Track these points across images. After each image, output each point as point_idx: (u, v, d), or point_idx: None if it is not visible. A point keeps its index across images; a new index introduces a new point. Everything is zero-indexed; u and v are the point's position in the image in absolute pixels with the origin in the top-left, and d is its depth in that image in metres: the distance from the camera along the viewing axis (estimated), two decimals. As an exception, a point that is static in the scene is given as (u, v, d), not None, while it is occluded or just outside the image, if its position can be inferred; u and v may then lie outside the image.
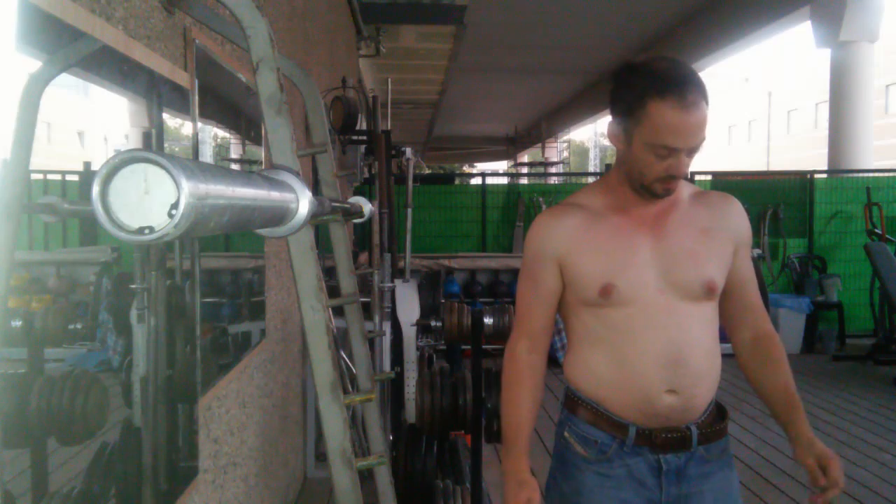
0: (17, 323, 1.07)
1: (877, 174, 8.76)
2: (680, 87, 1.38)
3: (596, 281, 1.47)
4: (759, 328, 1.62)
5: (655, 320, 1.46)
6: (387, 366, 3.78)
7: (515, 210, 8.46)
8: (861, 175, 8.63)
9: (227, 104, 2.22)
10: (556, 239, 1.53)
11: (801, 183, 8.55)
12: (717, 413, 1.58)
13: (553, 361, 7.08)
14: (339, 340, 3.34)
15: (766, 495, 3.82)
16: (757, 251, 7.82)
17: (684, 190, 1.57)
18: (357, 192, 6.56)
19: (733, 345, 1.65)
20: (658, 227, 1.51)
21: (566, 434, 1.63)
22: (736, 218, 1.58)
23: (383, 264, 3.77)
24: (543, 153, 27.03)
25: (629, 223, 1.51)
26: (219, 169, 0.67)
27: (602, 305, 1.49)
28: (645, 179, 1.44)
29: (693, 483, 1.52)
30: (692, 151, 1.43)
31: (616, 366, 1.50)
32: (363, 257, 6.24)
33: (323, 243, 3.23)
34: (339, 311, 2.56)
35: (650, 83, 1.40)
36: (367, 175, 4.91)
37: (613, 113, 1.49)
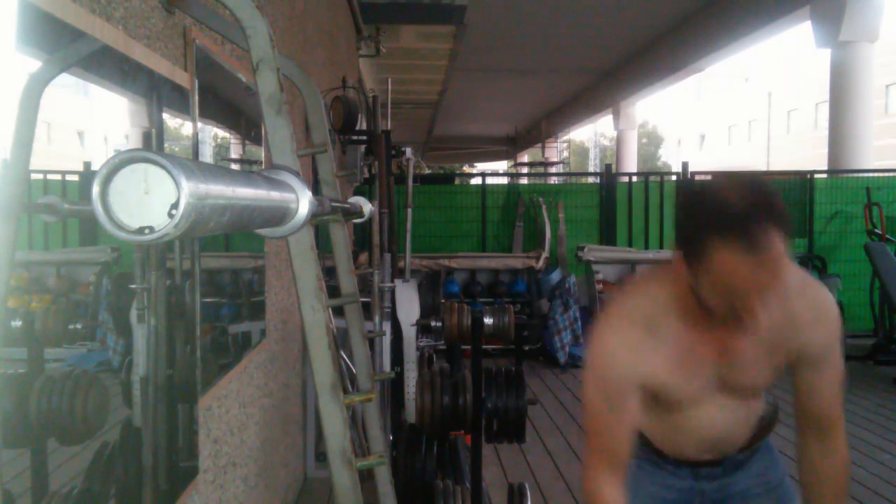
0: (17, 323, 1.07)
1: (877, 174, 8.76)
2: (746, 223, 1.17)
3: (661, 398, 1.45)
4: (828, 448, 1.50)
5: (705, 418, 1.48)
6: (387, 366, 3.78)
7: (515, 210, 8.46)
8: (861, 175, 8.62)
9: (227, 104, 2.22)
10: (639, 372, 1.39)
11: (801, 183, 8.55)
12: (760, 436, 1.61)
13: (553, 361, 7.08)
14: (339, 340, 3.34)
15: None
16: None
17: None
18: (357, 192, 6.55)
19: (798, 446, 1.55)
20: (727, 336, 1.37)
21: None
22: (815, 326, 1.40)
23: (383, 264, 3.77)
24: (543, 153, 27.03)
25: (700, 338, 1.38)
26: (219, 169, 0.67)
27: (660, 409, 1.49)
28: (716, 312, 1.28)
29: (729, 474, 1.59)
30: (765, 289, 1.22)
31: (663, 433, 1.56)
32: (363, 257, 6.24)
33: (323, 243, 3.23)
34: (339, 311, 2.56)
35: (711, 218, 1.21)
36: (367, 175, 4.91)
37: (676, 240, 1.31)
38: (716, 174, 1.34)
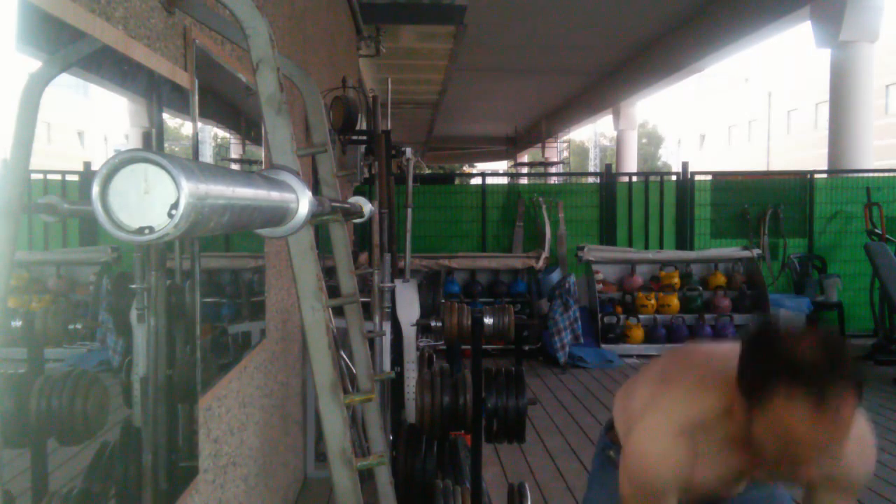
0: (17, 323, 1.07)
1: (877, 174, 8.76)
2: (821, 377, 1.10)
3: (689, 498, 1.44)
4: None
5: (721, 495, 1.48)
6: (387, 366, 3.78)
7: (515, 210, 8.46)
8: (861, 175, 8.62)
9: (227, 104, 2.22)
10: (679, 478, 1.36)
11: (801, 183, 8.55)
12: None
13: (553, 361, 7.08)
14: (339, 340, 3.34)
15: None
16: (757, 251, 7.83)
17: None
18: (357, 192, 6.56)
19: None
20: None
21: (611, 453, 1.70)
22: (853, 465, 1.35)
23: (383, 264, 3.77)
24: (543, 153, 27.03)
25: (741, 466, 1.35)
26: (219, 169, 0.67)
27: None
28: (771, 470, 1.23)
29: None
30: (825, 454, 1.14)
31: None
32: (363, 257, 6.24)
33: (323, 243, 3.23)
34: (339, 311, 2.56)
35: (785, 364, 1.14)
36: (367, 175, 4.91)
37: (739, 374, 1.24)
38: (787, 322, 1.27)
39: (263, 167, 2.55)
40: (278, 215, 0.86)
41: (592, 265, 7.72)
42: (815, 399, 1.09)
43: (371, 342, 3.41)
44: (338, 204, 1.54)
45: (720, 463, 1.35)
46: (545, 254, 7.73)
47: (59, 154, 1.23)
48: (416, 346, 4.61)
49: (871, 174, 8.69)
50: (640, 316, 7.55)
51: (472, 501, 2.71)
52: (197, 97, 1.74)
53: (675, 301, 7.58)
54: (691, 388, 1.41)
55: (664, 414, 1.39)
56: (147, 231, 0.55)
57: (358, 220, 1.96)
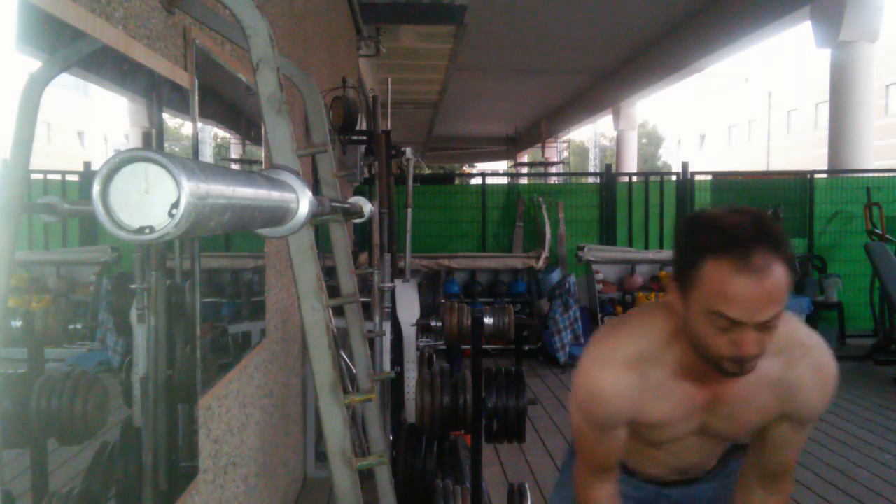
0: (17, 323, 1.07)
1: (877, 174, 8.76)
2: (746, 245, 1.13)
3: (644, 437, 1.46)
4: (776, 499, 1.50)
5: (681, 448, 1.50)
6: (387, 366, 3.78)
7: (515, 210, 8.46)
8: (861, 175, 8.62)
9: (227, 104, 2.22)
10: (627, 410, 1.38)
11: (801, 183, 8.55)
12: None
13: (553, 361, 7.08)
14: (339, 340, 3.34)
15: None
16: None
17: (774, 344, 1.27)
18: (357, 192, 6.55)
19: (740, 480, 1.54)
20: (719, 390, 1.36)
21: None
22: (811, 394, 1.37)
23: (383, 264, 3.77)
24: (543, 153, 27.02)
25: (691, 388, 1.36)
26: (219, 168, 0.67)
27: (640, 443, 1.49)
28: (709, 354, 1.22)
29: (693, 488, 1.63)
30: (764, 327, 1.16)
31: (633, 461, 1.59)
32: (363, 257, 6.24)
33: (323, 243, 3.23)
34: (339, 311, 2.56)
35: (710, 239, 1.17)
36: (367, 175, 4.91)
37: (672, 267, 1.29)
38: (723, 207, 1.28)
39: (263, 167, 2.55)
40: (278, 215, 0.86)
41: (592, 265, 7.72)
42: (740, 259, 1.11)
43: (371, 342, 3.41)
44: (338, 204, 1.54)
45: (670, 393, 1.35)
46: (545, 254, 7.73)
47: (59, 154, 1.23)
48: (416, 346, 4.62)
49: (871, 174, 8.69)
50: (641, 316, 7.54)
51: (472, 501, 2.71)
52: (197, 97, 1.74)
53: (675, 301, 7.57)
54: (636, 324, 1.43)
55: (611, 348, 1.40)
56: (148, 230, 0.55)
57: (358, 220, 1.96)
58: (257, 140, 2.53)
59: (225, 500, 2.10)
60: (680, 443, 1.47)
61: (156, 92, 1.50)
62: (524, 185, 10.07)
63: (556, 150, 27.15)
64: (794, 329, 1.36)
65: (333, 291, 1.90)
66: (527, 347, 7.27)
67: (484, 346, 2.98)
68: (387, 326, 3.80)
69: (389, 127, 4.28)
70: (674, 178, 8.64)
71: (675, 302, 1.26)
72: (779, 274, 1.13)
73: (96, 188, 0.54)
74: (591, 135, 35.02)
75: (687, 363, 1.32)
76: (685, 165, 8.62)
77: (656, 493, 1.61)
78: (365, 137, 4.43)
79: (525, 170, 26.73)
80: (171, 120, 1.66)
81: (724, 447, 1.56)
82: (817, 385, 1.36)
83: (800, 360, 1.34)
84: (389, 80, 4.64)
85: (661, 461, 1.55)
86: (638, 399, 1.35)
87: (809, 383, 1.34)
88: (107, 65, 1.28)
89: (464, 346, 3.82)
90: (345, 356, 3.32)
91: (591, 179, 11.15)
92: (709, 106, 36.98)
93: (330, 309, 2.02)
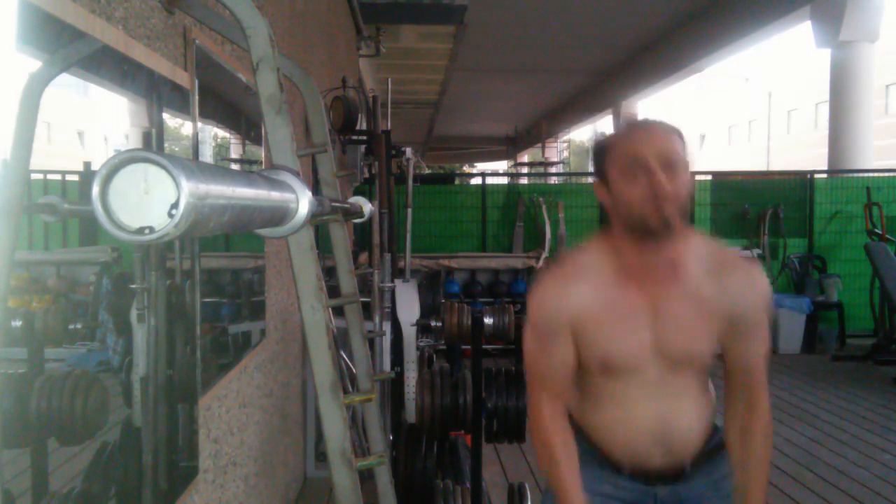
0: (17, 323, 1.07)
1: (877, 174, 8.76)
2: (641, 122, 1.44)
3: (597, 353, 1.50)
4: (754, 410, 1.55)
5: (647, 392, 1.51)
6: (387, 366, 3.78)
7: (515, 210, 8.46)
8: (861, 175, 8.63)
9: (227, 104, 2.22)
10: (566, 309, 1.48)
11: (801, 183, 8.55)
12: (714, 443, 1.61)
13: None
14: (339, 340, 3.34)
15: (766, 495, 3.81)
16: (757, 251, 7.82)
17: (699, 249, 1.49)
18: (357, 192, 6.55)
19: (725, 408, 1.60)
20: (660, 293, 1.46)
21: None
22: (747, 293, 1.49)
23: (383, 264, 3.77)
24: (543, 153, 27.01)
25: (632, 291, 1.46)
26: (219, 169, 0.67)
27: (600, 374, 1.53)
28: (634, 211, 1.38)
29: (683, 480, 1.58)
30: (668, 166, 1.36)
31: (611, 430, 1.58)
32: (363, 257, 6.24)
33: (323, 243, 3.23)
34: (339, 311, 2.56)
35: (616, 131, 1.48)
36: (367, 175, 4.91)
37: (595, 174, 1.50)
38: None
39: (263, 167, 2.55)
40: (278, 215, 0.86)
41: (592, 265, 7.70)
42: (639, 126, 1.42)
43: (371, 342, 3.41)
44: (338, 204, 1.54)
45: (613, 293, 1.47)
46: (545, 254, 7.73)
47: (59, 154, 1.23)
48: (416, 346, 4.62)
49: (871, 174, 8.69)
50: (640, 316, 7.54)
51: (472, 501, 2.71)
52: (197, 97, 1.74)
53: (674, 301, 7.57)
54: (575, 251, 1.59)
55: (553, 267, 1.58)
56: (147, 231, 0.55)
57: (358, 220, 1.96)
58: (257, 140, 2.53)
59: (225, 499, 2.10)
60: (641, 375, 1.48)
61: (156, 92, 1.50)
62: (524, 185, 10.08)
63: (556, 150, 27.14)
64: (723, 248, 1.55)
65: (333, 291, 1.90)
66: (527, 347, 7.25)
67: (484, 346, 2.98)
68: (387, 326, 3.80)
69: (389, 127, 4.28)
70: (674, 177, 8.62)
71: (603, 196, 1.46)
72: (666, 125, 1.40)
73: (96, 189, 0.54)
74: (591, 135, 35.01)
75: (627, 261, 1.46)
76: (685, 165, 8.60)
77: (642, 493, 1.58)
78: (365, 137, 4.43)
79: (525, 170, 26.74)
80: (171, 120, 1.66)
81: (692, 401, 1.54)
82: (748, 287, 1.49)
83: (731, 270, 1.49)
84: (389, 80, 4.64)
85: (632, 415, 1.52)
86: (576, 291, 1.48)
87: (743, 286, 1.48)
88: (107, 65, 1.28)
89: (464, 346, 3.81)
90: (345, 356, 3.32)
91: (591, 179, 11.13)
92: (709, 106, 36.98)
93: (330, 309, 2.02)
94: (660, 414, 1.52)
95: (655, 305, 1.46)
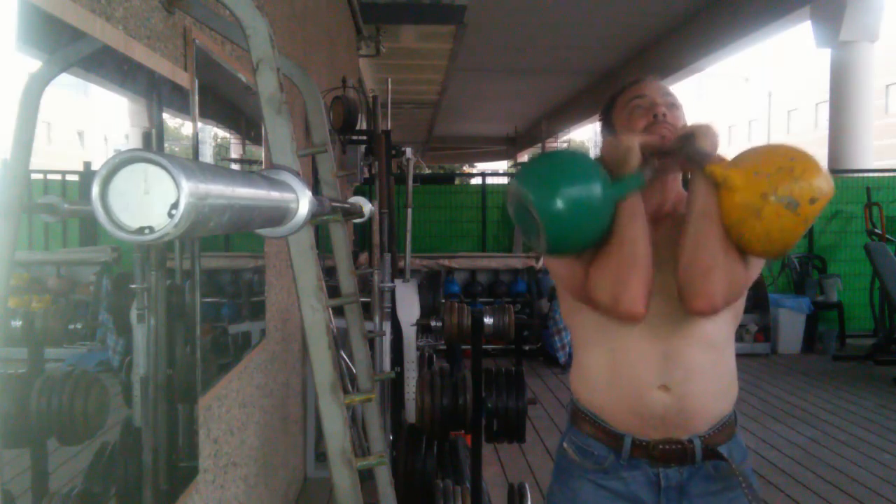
0: (17, 323, 1.07)
1: (877, 174, 8.76)
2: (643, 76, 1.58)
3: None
4: None
5: (649, 330, 1.43)
6: (387, 366, 3.78)
7: (515, 210, 8.45)
8: (861, 175, 8.62)
9: (227, 104, 2.22)
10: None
11: (801, 183, 8.53)
12: (728, 429, 1.51)
13: (553, 361, 7.07)
14: (339, 340, 3.34)
15: (766, 495, 3.81)
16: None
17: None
18: (357, 192, 6.56)
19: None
20: (660, 234, 1.44)
21: (565, 445, 1.62)
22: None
23: (383, 264, 3.77)
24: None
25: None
26: (219, 169, 0.67)
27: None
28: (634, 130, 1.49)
29: (696, 502, 1.47)
30: (670, 106, 1.49)
31: (609, 366, 1.49)
32: (363, 257, 6.24)
33: (323, 243, 3.23)
34: (339, 311, 2.56)
35: (616, 89, 1.59)
36: (367, 175, 4.91)
37: (602, 131, 1.61)
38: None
39: (263, 167, 2.55)
40: (278, 215, 0.86)
41: (592, 265, 7.69)
42: (636, 79, 1.56)
43: (371, 342, 3.41)
44: (338, 204, 1.54)
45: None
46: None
47: (59, 154, 1.23)
48: (416, 346, 4.62)
49: (871, 174, 8.69)
50: (640, 316, 7.53)
51: (472, 501, 2.71)
52: (197, 97, 1.74)
53: (674, 301, 7.56)
54: None
55: None
56: (147, 231, 0.55)
57: (358, 220, 1.96)
58: (257, 140, 2.53)
59: (225, 499, 2.10)
60: (639, 330, 1.43)
61: (156, 92, 1.50)
62: (524, 185, 10.02)
63: (557, 150, 27.09)
64: None
65: (333, 291, 1.90)
66: (527, 347, 7.27)
67: (484, 346, 2.98)
68: (387, 326, 3.80)
69: (389, 127, 4.27)
70: (674, 177, 8.62)
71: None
72: (655, 76, 1.56)
73: (96, 189, 0.54)
74: (591, 135, 35.00)
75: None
76: (685, 165, 8.60)
77: (646, 482, 1.47)
78: (365, 137, 4.43)
79: (525, 170, 26.66)
80: (171, 120, 1.66)
81: (703, 342, 1.44)
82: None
83: None
84: (389, 80, 4.63)
85: (632, 345, 1.44)
86: None
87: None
88: (107, 65, 1.28)
89: (464, 346, 3.81)
90: (345, 356, 3.32)
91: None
92: (709, 106, 36.97)
93: (330, 309, 2.02)
94: (658, 336, 1.43)
95: (657, 245, 1.40)
